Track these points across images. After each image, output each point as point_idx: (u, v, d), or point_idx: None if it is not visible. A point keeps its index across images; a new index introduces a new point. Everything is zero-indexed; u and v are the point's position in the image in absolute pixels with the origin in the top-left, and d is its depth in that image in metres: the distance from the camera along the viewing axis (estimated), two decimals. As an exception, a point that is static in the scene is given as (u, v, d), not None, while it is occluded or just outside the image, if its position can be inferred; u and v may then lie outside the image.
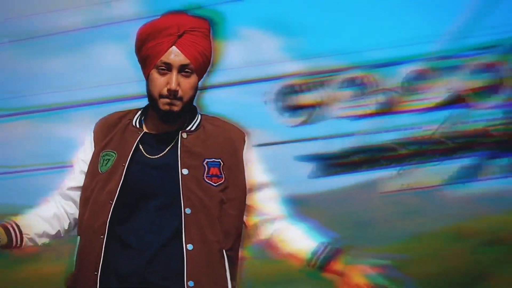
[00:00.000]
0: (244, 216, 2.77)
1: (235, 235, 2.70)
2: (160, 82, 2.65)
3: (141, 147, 2.70)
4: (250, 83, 11.55)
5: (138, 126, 2.75)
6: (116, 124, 2.78)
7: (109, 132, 2.76)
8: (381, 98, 8.88)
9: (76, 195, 2.76)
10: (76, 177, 2.77)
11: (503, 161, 12.89)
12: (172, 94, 2.64)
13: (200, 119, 2.76)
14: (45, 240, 2.78)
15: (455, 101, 8.78)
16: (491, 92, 8.49)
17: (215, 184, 2.66)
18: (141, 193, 2.64)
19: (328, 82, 9.28)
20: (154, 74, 2.66)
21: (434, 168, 12.88)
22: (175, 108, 2.65)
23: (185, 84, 2.65)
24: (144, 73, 2.72)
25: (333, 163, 11.87)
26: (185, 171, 2.64)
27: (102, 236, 2.61)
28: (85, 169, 2.74)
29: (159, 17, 2.70)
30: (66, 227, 2.80)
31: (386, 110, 8.94)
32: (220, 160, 2.69)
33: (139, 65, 2.74)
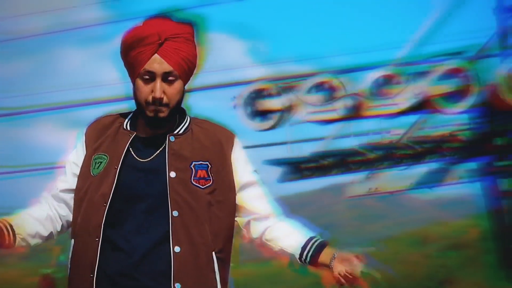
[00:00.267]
0: (235, 217, 2.78)
1: (225, 236, 2.71)
2: (145, 90, 2.66)
3: (131, 150, 2.72)
4: (216, 88, 11.54)
5: (129, 129, 2.77)
6: (107, 127, 2.79)
7: (100, 135, 2.77)
8: (349, 103, 8.91)
9: (69, 197, 2.77)
10: (68, 179, 2.77)
11: (470, 165, 13.02)
12: (158, 102, 2.65)
13: (189, 122, 2.78)
14: (37, 241, 2.78)
15: (423, 106, 8.84)
16: (458, 98, 8.56)
17: (202, 187, 2.67)
18: (131, 196, 2.65)
19: (297, 87, 9.30)
20: (139, 82, 2.67)
21: (402, 172, 12.98)
22: (162, 115, 2.67)
23: (170, 91, 2.66)
24: (131, 79, 2.72)
25: (302, 168, 11.90)
26: (172, 174, 2.66)
27: (97, 239, 2.63)
28: (77, 171, 2.75)
29: (141, 23, 2.69)
30: (59, 229, 2.81)
31: (354, 115, 8.97)
32: (207, 162, 2.71)
33: (125, 69, 2.74)
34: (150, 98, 2.65)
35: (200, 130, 2.77)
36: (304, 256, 2.72)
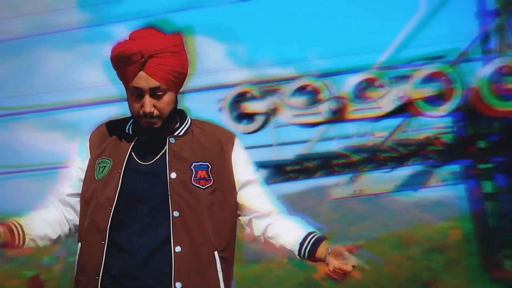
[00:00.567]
0: (238, 216, 2.83)
1: (227, 236, 2.76)
2: (136, 105, 2.71)
3: (134, 154, 2.76)
4: (200, 91, 11.57)
5: (131, 132, 2.81)
6: (110, 131, 2.83)
7: (104, 140, 2.81)
8: (333, 106, 8.96)
9: (75, 201, 2.82)
10: (74, 184, 2.82)
11: (453, 168, 13.11)
12: (148, 116, 2.69)
13: (190, 124, 2.82)
14: (46, 242, 2.84)
15: (406, 109, 8.90)
16: (441, 101, 8.64)
17: (203, 187, 2.71)
18: (134, 199, 2.70)
19: (281, 90, 9.34)
20: (130, 96, 2.72)
21: (385, 174, 13.05)
22: (155, 126, 2.72)
23: (159, 104, 2.69)
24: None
25: (286, 170, 11.95)
26: (173, 175, 2.71)
27: (103, 242, 2.68)
28: (82, 176, 2.80)
29: (126, 39, 2.70)
30: (67, 232, 2.87)
31: (338, 117, 9.03)
32: (208, 163, 2.75)
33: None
34: (141, 112, 2.69)
35: (200, 131, 2.81)
36: (302, 252, 2.76)
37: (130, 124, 2.82)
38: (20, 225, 2.78)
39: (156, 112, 2.69)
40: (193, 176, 2.71)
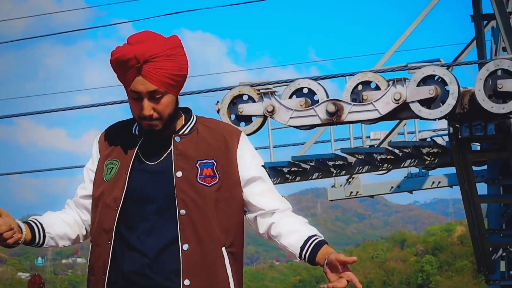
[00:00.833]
0: (245, 211, 2.87)
1: (235, 231, 2.80)
2: (135, 107, 2.76)
3: (140, 154, 2.81)
4: (199, 93, 11.61)
5: (137, 133, 2.86)
6: (118, 133, 2.88)
7: (112, 141, 2.86)
8: (330, 108, 9.01)
9: (88, 203, 2.88)
10: (87, 186, 2.89)
11: (448, 170, 13.18)
12: (148, 118, 2.73)
13: (195, 122, 2.86)
14: (65, 242, 2.90)
15: (402, 111, 8.96)
16: (437, 103, 8.69)
17: (208, 185, 2.75)
18: (141, 199, 2.75)
19: (278, 92, 9.39)
20: (130, 99, 2.76)
21: (381, 176, 13.12)
22: (156, 127, 2.76)
23: (159, 107, 2.73)
24: None
25: (284, 172, 12.01)
26: (179, 174, 2.75)
27: (109, 242, 2.74)
28: (93, 178, 2.87)
29: (124, 43, 2.74)
30: (85, 233, 2.93)
31: (335, 119, 9.07)
32: (213, 160, 2.78)
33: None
34: (141, 114, 2.73)
35: (205, 128, 2.83)
36: (302, 256, 2.80)
37: (137, 124, 2.86)
38: (41, 224, 2.84)
39: (155, 115, 2.72)
40: (198, 174, 2.75)
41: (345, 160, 12.08)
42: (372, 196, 14.04)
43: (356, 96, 9.07)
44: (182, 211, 2.72)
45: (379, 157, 12.03)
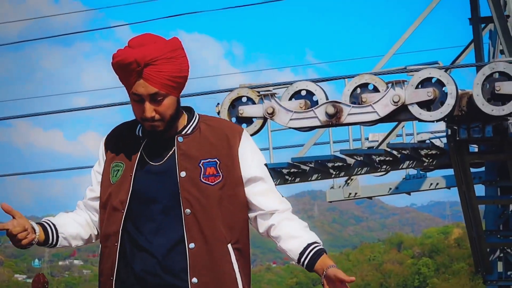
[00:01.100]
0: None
1: (240, 228, 2.84)
2: (137, 109, 2.79)
3: (145, 155, 2.85)
4: (199, 95, 11.67)
5: (140, 135, 2.89)
6: (122, 134, 2.92)
7: (117, 143, 2.90)
8: (330, 109, 9.08)
9: (97, 204, 2.93)
10: (95, 188, 2.93)
11: (447, 172, 13.24)
12: (150, 120, 2.76)
13: (198, 121, 2.88)
14: (78, 242, 2.95)
15: (401, 113, 9.03)
16: (435, 106, 8.77)
17: (212, 184, 2.79)
18: (147, 199, 2.79)
19: (278, 94, 9.44)
20: (132, 101, 2.80)
21: (380, 178, 13.18)
22: (158, 128, 2.79)
23: (160, 109, 2.76)
24: None
25: (283, 173, 12.06)
26: (182, 174, 2.78)
27: (116, 244, 2.79)
28: (100, 179, 2.91)
29: (125, 46, 2.76)
30: (96, 233, 2.98)
31: (334, 121, 9.14)
32: (216, 159, 2.81)
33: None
34: (143, 116, 2.76)
35: (207, 127, 2.86)
36: (301, 263, 2.83)
37: (141, 126, 2.89)
38: (54, 224, 2.89)
39: (157, 116, 2.75)
40: (202, 174, 2.78)
41: (344, 162, 12.13)
42: (370, 198, 14.09)
43: (355, 99, 9.14)
44: (187, 211, 2.76)
45: (377, 158, 12.09)
